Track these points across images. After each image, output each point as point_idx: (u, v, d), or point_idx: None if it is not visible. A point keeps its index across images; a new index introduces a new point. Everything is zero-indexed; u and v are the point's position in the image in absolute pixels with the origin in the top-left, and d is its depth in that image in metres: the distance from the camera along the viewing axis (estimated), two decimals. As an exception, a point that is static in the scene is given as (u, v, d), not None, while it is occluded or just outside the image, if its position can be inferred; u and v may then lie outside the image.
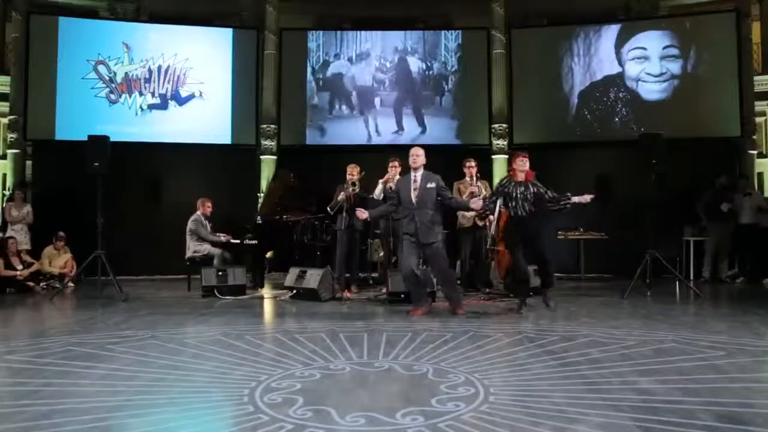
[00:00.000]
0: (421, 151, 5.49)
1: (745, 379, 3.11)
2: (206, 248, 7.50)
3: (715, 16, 10.27)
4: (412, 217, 5.31)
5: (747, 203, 8.51)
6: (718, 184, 8.71)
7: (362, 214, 5.51)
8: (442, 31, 10.75)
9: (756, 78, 10.38)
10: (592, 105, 10.25)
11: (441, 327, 4.71)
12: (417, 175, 5.40)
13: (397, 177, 6.82)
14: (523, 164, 5.57)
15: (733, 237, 8.52)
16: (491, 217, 5.99)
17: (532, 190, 5.45)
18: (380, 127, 10.41)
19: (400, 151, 8.76)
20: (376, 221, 6.85)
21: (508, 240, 5.72)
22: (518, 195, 5.43)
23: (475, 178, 6.88)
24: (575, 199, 5.48)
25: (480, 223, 6.80)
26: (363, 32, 10.73)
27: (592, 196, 5.52)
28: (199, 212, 7.68)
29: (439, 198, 5.37)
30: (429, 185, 5.35)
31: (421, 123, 10.46)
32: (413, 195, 5.34)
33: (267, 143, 10.43)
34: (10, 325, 5.23)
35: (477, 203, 5.44)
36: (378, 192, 6.69)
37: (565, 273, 9.10)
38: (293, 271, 6.65)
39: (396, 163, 6.85)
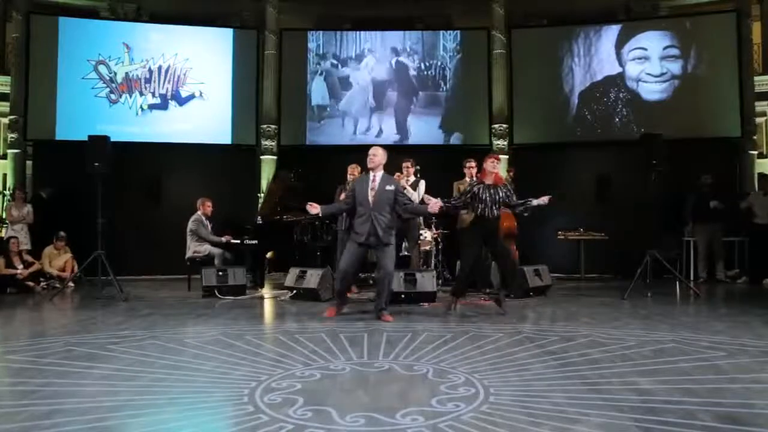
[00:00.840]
0: (379, 151, 5.31)
1: (745, 379, 3.11)
2: (207, 248, 7.51)
3: (715, 17, 10.28)
4: (368, 218, 5.12)
5: (767, 204, 8.37)
6: (703, 184, 8.65)
7: (313, 208, 5.23)
8: (442, 31, 10.76)
9: (756, 78, 10.38)
10: (593, 105, 10.25)
11: (441, 327, 4.71)
12: (375, 176, 5.23)
13: (411, 178, 6.83)
14: (493, 166, 5.56)
15: (752, 236, 8.43)
16: None
17: (501, 193, 5.45)
18: (380, 127, 10.42)
19: (400, 151, 8.80)
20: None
21: (466, 239, 5.69)
22: (486, 197, 5.41)
23: (475, 179, 6.87)
24: (534, 202, 5.51)
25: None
26: (363, 32, 10.74)
27: (549, 197, 5.53)
28: (199, 212, 7.69)
29: (396, 201, 5.23)
30: (388, 187, 5.20)
31: (421, 123, 10.46)
32: (370, 195, 5.17)
33: (267, 143, 10.44)
34: (10, 325, 5.22)
35: (434, 207, 5.26)
36: None
37: (565, 273, 9.13)
38: (293, 271, 6.65)
39: (408, 164, 6.84)
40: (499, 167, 5.66)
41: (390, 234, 5.22)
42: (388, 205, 5.20)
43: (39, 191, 9.35)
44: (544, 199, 5.52)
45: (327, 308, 5.42)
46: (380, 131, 10.38)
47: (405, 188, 6.63)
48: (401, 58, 10.58)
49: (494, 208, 5.43)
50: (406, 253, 7.24)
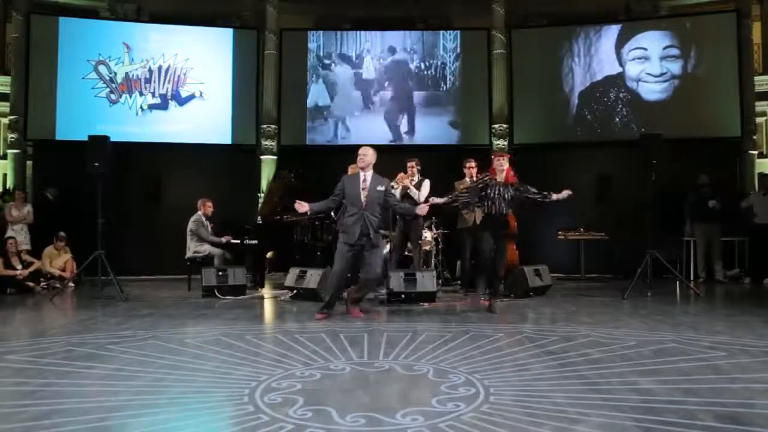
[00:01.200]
0: (369, 151, 5.31)
1: (745, 379, 3.11)
2: (207, 248, 7.51)
3: (715, 17, 10.29)
4: (360, 217, 5.13)
5: (766, 203, 8.36)
6: (701, 184, 8.64)
7: (302, 207, 5.20)
8: (442, 32, 10.76)
9: (756, 78, 10.39)
10: (593, 105, 10.25)
11: (441, 327, 4.71)
12: (366, 175, 5.24)
13: (416, 177, 6.83)
14: (500, 164, 5.59)
15: (752, 236, 8.42)
16: None
17: (511, 191, 5.48)
18: (380, 127, 10.42)
19: (400, 151, 8.80)
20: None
21: (477, 236, 5.73)
22: (495, 194, 5.45)
23: (475, 179, 6.87)
24: (554, 196, 5.55)
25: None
26: (363, 32, 10.74)
27: (570, 193, 5.56)
28: (199, 212, 7.69)
29: (385, 201, 5.27)
30: (379, 188, 5.22)
31: (421, 123, 10.47)
32: (362, 196, 5.17)
33: (267, 143, 10.44)
34: (10, 325, 5.22)
35: (423, 209, 5.32)
36: (397, 193, 6.64)
37: (565, 273, 9.13)
38: (293, 271, 6.65)
39: (413, 163, 6.85)
40: (505, 164, 5.63)
41: (379, 235, 5.25)
42: (379, 205, 5.24)
43: (45, 191, 9.33)
44: (564, 194, 5.53)
45: (316, 313, 5.29)
46: (380, 131, 10.36)
47: (409, 188, 6.65)
48: (401, 58, 10.59)
49: (503, 204, 5.43)
50: (407, 253, 7.24)
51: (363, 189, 5.20)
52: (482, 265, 5.69)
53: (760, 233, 8.25)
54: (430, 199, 5.56)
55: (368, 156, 5.28)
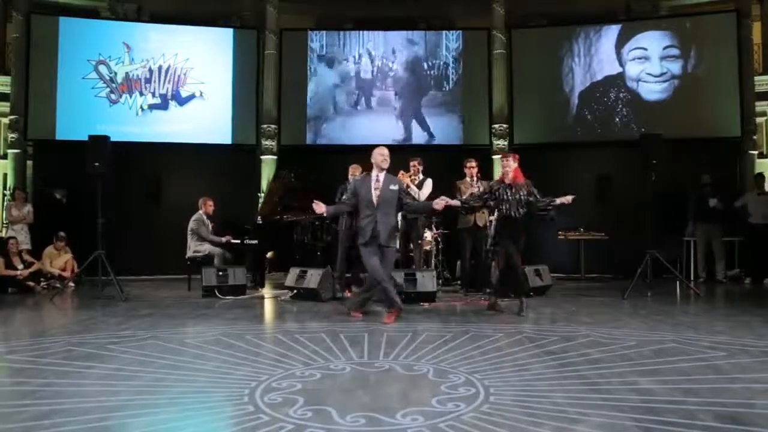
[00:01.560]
0: (387, 151, 5.26)
1: (745, 379, 3.11)
2: (207, 248, 7.51)
3: (715, 17, 10.29)
4: (372, 218, 5.07)
5: (760, 203, 8.38)
6: (703, 184, 8.64)
7: (319, 207, 5.18)
8: (443, 32, 10.76)
9: (756, 78, 10.38)
10: (593, 105, 10.25)
11: (441, 327, 4.71)
12: (380, 176, 5.17)
13: (419, 176, 6.84)
14: (507, 165, 5.53)
15: (748, 236, 8.43)
16: (491, 217, 5.97)
17: (523, 192, 5.40)
18: (380, 127, 10.41)
19: (401, 151, 8.78)
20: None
21: (500, 239, 5.66)
22: (509, 197, 5.38)
23: (475, 178, 6.88)
24: (558, 200, 5.45)
25: (480, 224, 6.80)
26: (363, 32, 10.74)
27: (573, 196, 5.46)
28: (201, 211, 7.69)
29: (399, 200, 5.22)
30: (392, 187, 5.16)
31: (422, 123, 10.47)
32: (374, 195, 5.11)
33: (267, 143, 10.44)
34: (11, 325, 5.22)
35: (439, 204, 5.25)
36: None
37: (565, 273, 9.12)
38: (293, 271, 6.65)
39: (416, 162, 6.85)
40: (512, 164, 5.55)
41: (392, 237, 5.18)
42: (393, 205, 5.18)
43: (54, 192, 9.33)
44: (567, 198, 5.43)
45: (385, 315, 5.09)
46: (381, 131, 10.34)
47: (410, 187, 6.65)
48: (402, 59, 10.58)
49: (518, 207, 5.36)
50: (409, 254, 7.25)
51: (376, 189, 5.13)
52: (512, 269, 5.54)
53: (759, 233, 8.25)
54: (441, 198, 5.50)
55: (388, 156, 5.22)
